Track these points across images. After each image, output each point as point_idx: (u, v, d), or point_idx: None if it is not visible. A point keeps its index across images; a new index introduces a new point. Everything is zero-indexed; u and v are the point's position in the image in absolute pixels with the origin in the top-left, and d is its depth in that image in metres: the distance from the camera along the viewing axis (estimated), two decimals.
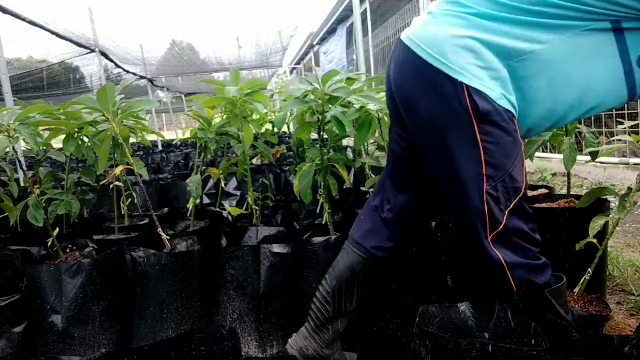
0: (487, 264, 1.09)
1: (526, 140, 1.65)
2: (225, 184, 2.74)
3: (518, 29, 1.00)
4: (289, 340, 1.39)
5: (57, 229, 1.71)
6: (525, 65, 1.02)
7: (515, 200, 1.06)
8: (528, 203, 1.11)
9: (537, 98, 1.06)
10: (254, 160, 2.39)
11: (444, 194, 1.16)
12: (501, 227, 1.06)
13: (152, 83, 10.96)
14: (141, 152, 7.37)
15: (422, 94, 1.08)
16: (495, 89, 1.02)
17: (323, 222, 1.82)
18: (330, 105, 1.59)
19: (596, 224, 1.24)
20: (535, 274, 1.08)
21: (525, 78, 1.03)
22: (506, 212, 1.06)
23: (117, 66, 8.36)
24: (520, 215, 1.07)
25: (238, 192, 3.32)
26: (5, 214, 1.71)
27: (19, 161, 1.75)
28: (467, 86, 1.01)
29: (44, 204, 1.65)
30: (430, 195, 1.31)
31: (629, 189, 1.22)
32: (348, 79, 1.67)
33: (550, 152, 5.05)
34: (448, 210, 1.21)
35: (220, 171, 2.04)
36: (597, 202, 1.44)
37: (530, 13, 0.99)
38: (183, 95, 15.05)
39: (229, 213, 2.15)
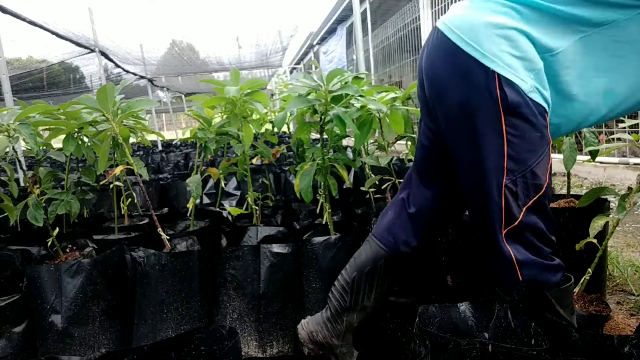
0: (498, 259, 1.08)
1: None
2: (225, 184, 2.74)
3: (560, 21, 0.99)
4: (302, 321, 1.39)
5: (57, 229, 1.70)
6: (565, 56, 1.00)
7: (535, 198, 1.04)
8: (549, 202, 1.08)
9: (570, 92, 1.03)
10: (254, 160, 2.39)
11: (462, 183, 1.15)
12: (516, 223, 1.04)
13: (152, 83, 10.96)
14: (141, 152, 7.37)
15: (451, 80, 1.05)
16: (528, 80, 0.99)
17: (323, 222, 1.82)
18: (332, 105, 1.59)
19: (596, 224, 1.24)
20: (546, 274, 1.06)
21: (561, 70, 1.01)
22: (524, 208, 1.04)
23: (117, 66, 8.36)
24: (538, 214, 1.05)
25: (238, 192, 3.31)
26: (5, 214, 1.71)
27: (19, 161, 1.75)
28: (499, 75, 0.98)
29: (44, 204, 1.65)
30: (454, 196, 1.28)
31: (629, 189, 1.22)
32: (356, 78, 1.66)
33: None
34: (465, 200, 1.19)
35: (220, 171, 2.04)
36: (597, 202, 1.44)
37: (576, 4, 0.97)
38: (183, 95, 15.04)
39: (229, 213, 2.15)
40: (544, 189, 1.05)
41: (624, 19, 0.97)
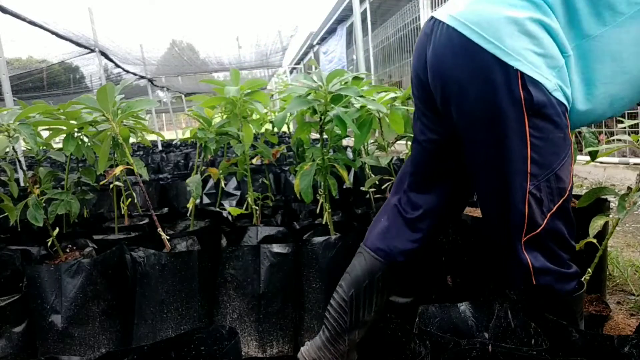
0: (513, 265, 1.04)
1: None
2: (225, 184, 2.74)
3: (584, 11, 0.94)
4: (302, 349, 1.31)
5: (57, 229, 1.70)
6: (590, 45, 0.95)
7: (560, 203, 0.99)
8: (571, 204, 1.04)
9: (592, 80, 0.98)
10: (254, 160, 2.39)
11: (480, 191, 1.09)
12: (539, 230, 0.99)
13: (152, 83, 10.96)
14: (141, 152, 7.37)
15: (470, 81, 0.98)
16: (552, 79, 0.94)
17: (323, 222, 1.82)
18: (332, 105, 1.59)
19: (596, 224, 1.23)
20: (562, 283, 1.02)
21: (585, 60, 0.97)
22: (548, 214, 0.99)
23: (117, 66, 8.36)
24: (561, 219, 1.01)
25: (238, 192, 3.31)
26: (5, 214, 1.71)
27: (19, 161, 1.75)
28: (523, 74, 0.92)
29: (44, 204, 1.65)
30: (456, 197, 1.23)
31: (629, 189, 1.22)
32: (355, 78, 1.66)
33: None
34: (481, 207, 1.13)
35: (220, 171, 2.04)
36: (597, 202, 1.44)
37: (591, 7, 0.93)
38: (183, 95, 15.05)
39: (229, 213, 2.15)
40: (567, 192, 1.00)
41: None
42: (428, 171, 1.22)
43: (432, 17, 1.07)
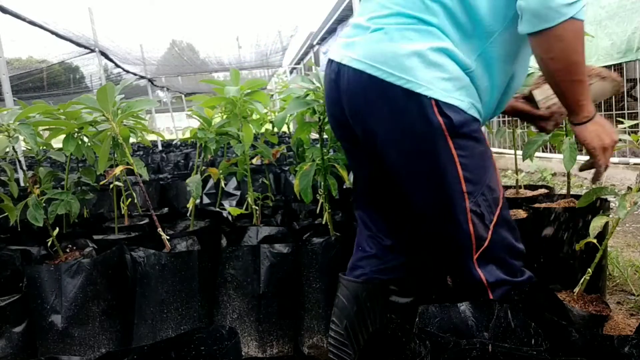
0: (468, 283, 1.06)
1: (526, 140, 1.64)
2: (225, 184, 2.74)
3: (469, 38, 0.99)
4: None
5: (57, 229, 1.70)
6: (482, 60, 1.01)
7: (498, 212, 1.03)
8: (508, 210, 1.07)
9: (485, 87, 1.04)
10: (254, 160, 2.39)
11: (422, 218, 1.12)
12: (487, 243, 1.02)
13: (152, 83, 10.96)
14: (141, 152, 7.37)
15: (390, 119, 1.00)
16: (464, 98, 0.99)
17: (323, 222, 1.82)
18: None
19: (596, 224, 1.23)
20: (517, 291, 1.05)
21: (484, 69, 1.02)
22: (491, 226, 1.02)
23: (117, 66, 8.36)
24: (504, 227, 1.04)
25: (238, 192, 3.31)
26: (5, 214, 1.71)
27: (19, 161, 1.75)
28: (437, 101, 0.96)
29: (44, 204, 1.65)
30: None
31: (629, 189, 1.22)
32: None
33: (550, 152, 5.05)
34: (425, 231, 1.16)
35: (220, 171, 2.04)
36: (597, 202, 1.44)
37: (474, 23, 0.99)
38: (183, 95, 15.05)
39: (229, 213, 2.15)
40: (501, 200, 1.04)
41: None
42: (376, 193, 1.24)
43: (332, 61, 1.09)
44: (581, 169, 1.18)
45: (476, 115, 1.01)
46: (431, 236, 1.15)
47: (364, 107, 1.04)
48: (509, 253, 1.05)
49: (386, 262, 1.25)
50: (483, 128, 1.17)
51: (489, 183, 1.02)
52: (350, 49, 1.04)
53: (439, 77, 0.96)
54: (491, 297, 1.04)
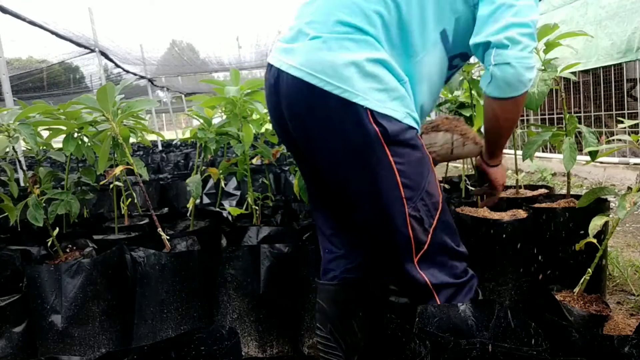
0: (414, 287, 1.08)
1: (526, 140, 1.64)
2: (225, 184, 2.74)
3: (398, 54, 1.05)
4: None
5: (57, 229, 1.70)
6: (415, 68, 1.08)
7: (437, 216, 1.05)
8: (449, 214, 1.11)
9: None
10: (254, 160, 2.39)
11: (363, 222, 1.13)
12: (426, 246, 1.05)
13: (152, 83, 10.96)
14: (141, 152, 7.37)
15: (327, 127, 1.03)
16: (399, 108, 1.02)
17: None
18: None
19: (596, 224, 1.23)
20: (463, 293, 1.07)
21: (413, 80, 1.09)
22: (431, 230, 1.05)
23: (117, 66, 8.37)
24: (444, 231, 1.07)
25: (238, 192, 3.32)
26: (5, 214, 1.71)
27: (19, 161, 1.75)
28: (372, 111, 0.98)
29: (44, 204, 1.65)
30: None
31: (629, 189, 1.22)
32: None
33: (550, 152, 5.05)
34: (368, 236, 1.19)
35: (220, 171, 2.04)
36: (597, 202, 1.44)
37: (406, 40, 1.05)
38: (183, 95, 15.05)
39: (229, 213, 2.15)
40: (440, 205, 1.06)
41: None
42: (326, 195, 1.25)
43: (271, 66, 1.11)
44: (475, 194, 1.44)
45: (412, 123, 1.04)
46: (374, 240, 1.18)
47: (302, 114, 1.06)
48: (450, 255, 1.08)
49: (352, 260, 1.26)
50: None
51: (427, 188, 1.05)
52: (289, 56, 1.06)
53: (374, 87, 1.00)
54: (437, 299, 1.06)
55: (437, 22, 1.06)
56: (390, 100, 1.01)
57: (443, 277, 1.06)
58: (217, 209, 2.35)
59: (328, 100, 1.00)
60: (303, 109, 1.05)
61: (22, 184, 3.10)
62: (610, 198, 1.53)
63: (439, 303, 1.05)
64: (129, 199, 2.10)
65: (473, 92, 1.98)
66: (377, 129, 0.99)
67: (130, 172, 1.95)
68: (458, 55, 1.14)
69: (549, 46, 1.66)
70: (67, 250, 1.80)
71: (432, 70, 1.11)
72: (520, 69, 0.98)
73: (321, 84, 1.00)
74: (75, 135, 1.78)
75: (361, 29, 1.01)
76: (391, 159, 1.01)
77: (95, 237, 1.91)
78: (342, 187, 1.11)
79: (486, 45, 1.01)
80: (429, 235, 1.05)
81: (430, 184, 1.05)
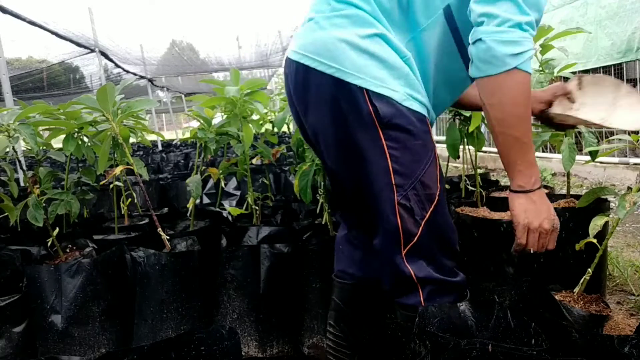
0: (397, 278, 1.04)
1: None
2: (225, 184, 2.74)
3: (397, 27, 0.99)
4: None
5: (57, 229, 1.70)
6: (417, 42, 1.00)
7: (432, 209, 1.00)
8: (446, 210, 1.05)
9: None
10: (254, 160, 2.39)
11: (356, 208, 1.11)
12: (416, 239, 0.99)
13: (152, 83, 10.96)
14: (141, 152, 7.37)
15: (323, 109, 1.00)
16: (400, 89, 0.96)
17: (323, 222, 1.82)
18: None
19: (596, 224, 1.23)
20: (446, 296, 1.03)
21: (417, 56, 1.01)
22: (422, 222, 0.99)
23: (117, 66, 8.37)
24: (439, 225, 1.02)
25: (238, 192, 3.31)
26: (5, 214, 1.71)
27: (19, 161, 1.75)
28: (367, 90, 0.94)
29: (44, 204, 1.65)
30: None
31: (629, 189, 1.22)
32: None
33: (550, 152, 5.05)
34: (359, 221, 1.16)
35: (220, 171, 2.04)
36: (597, 202, 1.44)
37: (406, 15, 0.99)
38: (183, 95, 15.06)
39: (229, 213, 2.15)
40: (437, 198, 1.01)
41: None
42: (339, 191, 1.22)
43: (287, 57, 1.10)
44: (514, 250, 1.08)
45: (415, 107, 0.97)
46: (365, 225, 1.14)
47: (303, 97, 1.04)
48: (442, 251, 1.03)
49: (369, 261, 1.23)
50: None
51: (422, 178, 0.99)
52: (293, 42, 1.06)
53: (372, 65, 0.95)
54: (420, 293, 1.02)
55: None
56: (392, 79, 0.95)
57: (430, 271, 1.01)
58: (217, 209, 2.35)
59: (322, 81, 0.97)
60: (302, 92, 1.03)
61: (22, 184, 3.10)
62: (610, 198, 1.53)
63: (422, 299, 1.02)
64: (129, 199, 2.10)
65: None
66: (371, 109, 0.95)
67: (130, 172, 1.95)
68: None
69: (544, 48, 1.66)
70: (67, 250, 1.80)
71: (439, 49, 1.02)
72: (491, 43, 0.88)
73: (314, 64, 0.98)
74: (75, 135, 1.78)
75: (354, 5, 0.97)
76: (384, 142, 0.97)
77: (95, 237, 1.91)
78: (341, 173, 1.08)
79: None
80: (420, 228, 0.99)
81: (427, 175, 0.99)
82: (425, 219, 1.00)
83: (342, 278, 1.26)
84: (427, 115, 1.02)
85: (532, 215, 0.98)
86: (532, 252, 1.01)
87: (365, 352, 1.33)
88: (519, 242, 1.01)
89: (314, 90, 1.00)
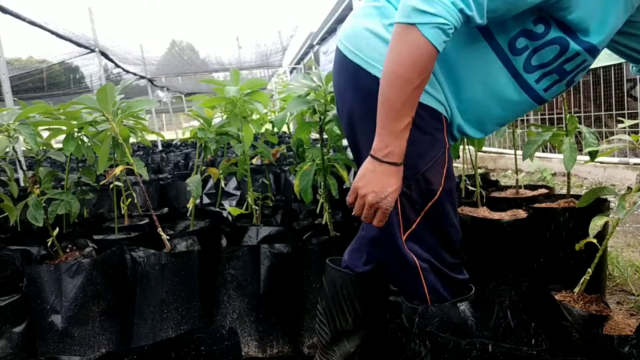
0: (401, 266, 1.06)
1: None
2: (225, 184, 2.74)
3: None
4: None
5: (57, 229, 1.70)
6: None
7: (432, 202, 1.02)
8: (455, 210, 1.07)
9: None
10: (254, 160, 2.39)
11: None
12: (414, 226, 1.03)
13: (152, 83, 10.96)
14: (141, 152, 7.36)
15: (346, 92, 1.05)
16: None
17: (323, 222, 1.82)
18: (332, 105, 1.59)
19: (596, 224, 1.23)
20: (448, 288, 1.05)
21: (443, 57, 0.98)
22: (422, 212, 1.02)
23: (117, 66, 8.37)
24: (438, 219, 1.04)
25: (238, 192, 3.31)
26: (5, 214, 1.71)
27: (19, 161, 1.75)
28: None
29: (44, 204, 1.65)
30: None
31: (629, 189, 1.22)
32: None
33: (550, 152, 5.05)
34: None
35: (220, 171, 2.04)
36: (597, 202, 1.44)
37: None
38: (183, 95, 15.06)
39: (229, 213, 2.15)
40: (438, 194, 1.02)
41: None
42: None
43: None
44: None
45: (428, 103, 0.97)
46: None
47: (337, 85, 1.10)
48: (442, 245, 1.05)
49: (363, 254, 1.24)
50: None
51: (425, 173, 1.00)
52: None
53: None
54: (424, 283, 1.04)
55: None
56: None
57: (430, 258, 1.04)
58: (217, 209, 2.35)
59: (349, 67, 1.02)
60: (336, 78, 1.09)
61: (22, 184, 3.10)
62: (610, 198, 1.53)
63: (424, 286, 1.04)
64: (129, 199, 2.10)
65: None
66: None
67: (130, 172, 1.95)
68: (520, 34, 0.95)
69: None
70: (67, 250, 1.80)
71: (468, 53, 0.98)
72: None
73: (346, 52, 1.02)
74: (75, 135, 1.78)
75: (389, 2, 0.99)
76: None
77: (95, 237, 1.91)
78: (356, 156, 1.10)
79: None
80: (420, 216, 1.02)
81: (431, 171, 1.01)
82: (425, 209, 1.03)
83: (338, 265, 1.29)
84: (444, 113, 1.02)
85: (365, 182, 0.95)
86: (355, 216, 1.01)
87: (365, 352, 1.33)
88: (347, 200, 1.01)
89: (342, 74, 1.06)
